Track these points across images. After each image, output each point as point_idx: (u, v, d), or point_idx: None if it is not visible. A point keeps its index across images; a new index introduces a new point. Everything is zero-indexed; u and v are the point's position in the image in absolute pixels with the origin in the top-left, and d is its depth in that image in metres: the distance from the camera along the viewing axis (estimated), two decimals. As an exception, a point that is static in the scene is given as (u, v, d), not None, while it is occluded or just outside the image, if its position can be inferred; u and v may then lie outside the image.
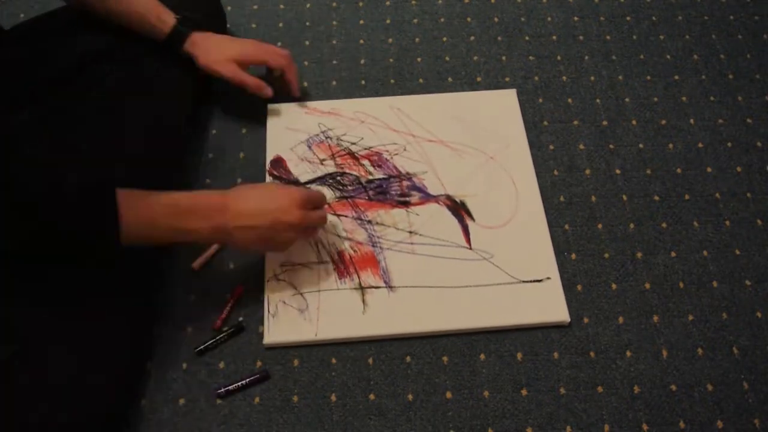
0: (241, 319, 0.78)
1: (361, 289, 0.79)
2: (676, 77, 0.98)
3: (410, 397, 0.74)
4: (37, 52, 0.80)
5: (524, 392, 0.74)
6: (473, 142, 0.90)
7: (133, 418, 0.73)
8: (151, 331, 0.77)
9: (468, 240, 0.82)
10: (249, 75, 0.87)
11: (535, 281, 0.79)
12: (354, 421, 0.73)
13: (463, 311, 0.77)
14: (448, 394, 0.74)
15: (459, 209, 0.85)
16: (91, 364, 0.67)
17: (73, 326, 0.67)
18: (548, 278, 0.80)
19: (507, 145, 0.90)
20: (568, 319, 0.77)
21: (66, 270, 0.68)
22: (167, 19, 0.84)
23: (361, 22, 1.04)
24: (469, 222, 0.84)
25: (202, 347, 0.76)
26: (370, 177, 0.87)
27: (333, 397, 0.74)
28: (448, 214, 0.84)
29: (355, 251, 0.82)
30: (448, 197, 0.86)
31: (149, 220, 0.65)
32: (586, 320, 0.79)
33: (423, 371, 0.76)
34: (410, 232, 0.83)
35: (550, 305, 0.78)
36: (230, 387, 0.74)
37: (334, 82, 0.97)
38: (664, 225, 0.85)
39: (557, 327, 0.78)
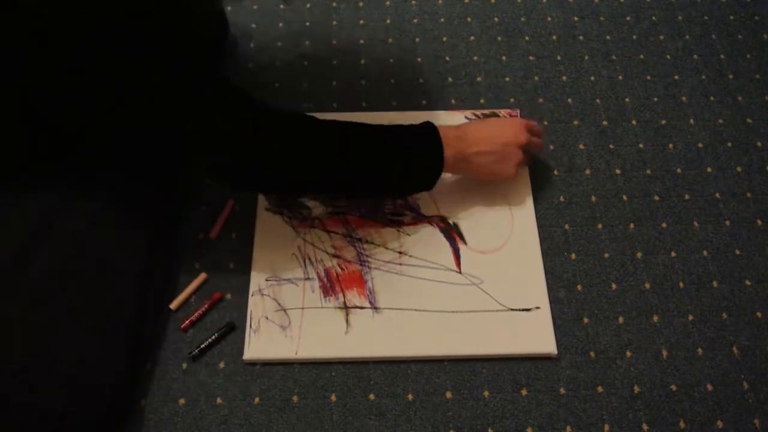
0: (228, 320, 0.78)
1: (346, 308, 0.78)
2: (676, 77, 0.98)
3: (410, 397, 0.74)
4: None
5: (524, 392, 0.74)
6: None
7: (133, 418, 0.73)
8: (151, 330, 0.77)
9: (458, 264, 0.81)
10: None
11: (523, 310, 0.78)
12: (354, 421, 0.73)
13: (448, 337, 0.76)
14: (448, 394, 0.74)
15: (451, 231, 0.83)
16: (91, 361, 0.67)
17: (72, 323, 0.67)
18: (537, 308, 0.78)
19: None
20: (555, 351, 0.76)
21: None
22: None
23: (361, 22, 1.04)
24: (460, 245, 0.82)
25: (196, 351, 0.76)
26: None
27: (333, 397, 0.74)
28: (439, 236, 0.83)
29: (342, 269, 0.80)
30: (442, 219, 0.84)
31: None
32: (586, 320, 0.79)
33: (423, 371, 0.76)
34: (400, 253, 0.81)
35: (537, 336, 0.76)
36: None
37: (334, 82, 0.97)
38: (664, 225, 0.85)
39: (557, 326, 0.78)
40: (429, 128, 0.76)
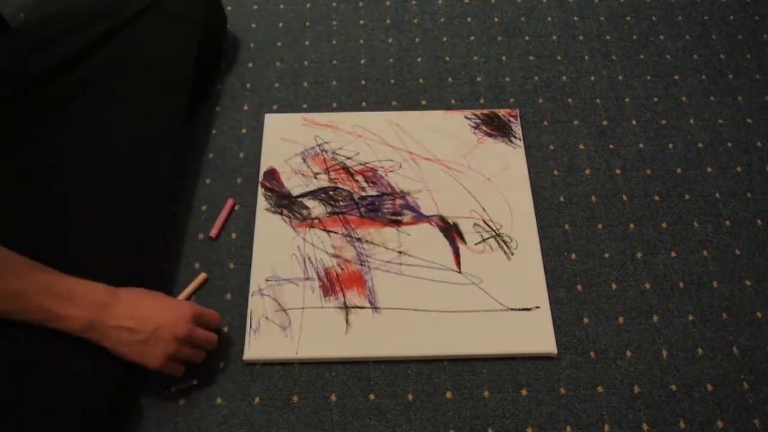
0: (195, 382, 0.74)
1: (346, 308, 0.78)
2: (676, 77, 0.98)
3: (410, 397, 0.74)
4: (39, 43, 0.78)
5: (524, 392, 0.74)
6: (471, 162, 0.89)
7: (133, 418, 0.73)
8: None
9: (458, 263, 0.81)
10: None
11: (523, 309, 0.78)
12: (354, 421, 0.73)
13: (448, 336, 0.76)
14: (448, 394, 0.74)
15: (451, 231, 0.83)
16: (91, 360, 0.67)
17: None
18: (537, 308, 0.78)
19: (506, 167, 0.88)
20: (555, 351, 0.76)
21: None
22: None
23: (361, 22, 1.04)
24: (460, 245, 0.82)
25: (171, 390, 0.73)
26: (363, 194, 0.86)
27: (333, 397, 0.74)
28: (439, 236, 0.83)
29: (342, 269, 0.80)
30: (441, 218, 0.84)
31: (17, 293, 0.61)
32: (586, 320, 0.79)
33: (423, 371, 0.76)
34: (399, 252, 0.81)
35: (537, 335, 0.76)
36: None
37: (334, 82, 0.97)
38: (664, 225, 0.85)
39: (557, 326, 0.78)
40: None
